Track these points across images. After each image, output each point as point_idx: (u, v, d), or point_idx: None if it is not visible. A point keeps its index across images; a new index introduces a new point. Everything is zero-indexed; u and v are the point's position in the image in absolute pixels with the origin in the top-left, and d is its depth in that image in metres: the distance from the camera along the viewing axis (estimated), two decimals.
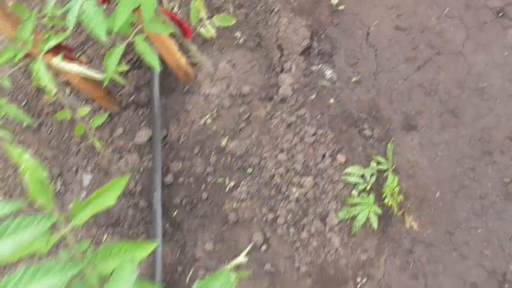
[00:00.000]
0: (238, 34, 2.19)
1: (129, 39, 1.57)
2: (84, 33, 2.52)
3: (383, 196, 1.70)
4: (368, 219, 1.65)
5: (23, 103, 2.42)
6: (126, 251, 0.94)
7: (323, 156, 1.84)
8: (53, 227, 0.88)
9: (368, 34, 2.10)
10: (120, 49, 1.55)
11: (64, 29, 2.10)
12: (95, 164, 2.15)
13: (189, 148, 2.04)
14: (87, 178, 2.15)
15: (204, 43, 2.24)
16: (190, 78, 2.19)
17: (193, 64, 2.21)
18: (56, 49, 1.66)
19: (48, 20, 2.03)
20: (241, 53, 2.19)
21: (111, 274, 0.84)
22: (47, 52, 1.57)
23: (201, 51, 2.21)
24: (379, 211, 1.66)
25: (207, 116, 2.09)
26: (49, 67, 1.60)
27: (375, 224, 1.64)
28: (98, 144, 2.11)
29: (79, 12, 1.21)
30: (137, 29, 1.60)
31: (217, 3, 2.28)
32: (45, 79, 1.54)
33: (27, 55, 1.60)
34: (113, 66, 1.56)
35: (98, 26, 1.22)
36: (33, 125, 2.24)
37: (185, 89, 2.19)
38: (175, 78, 2.20)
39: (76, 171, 2.18)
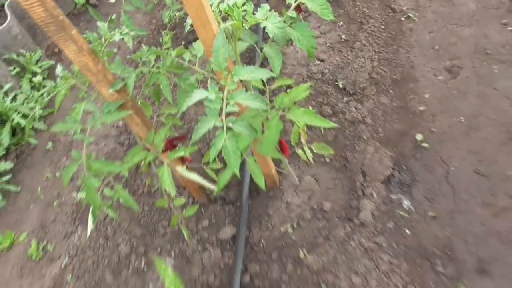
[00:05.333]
0: (326, 155, 2.48)
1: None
2: (187, 126, 2.94)
3: None
4: None
5: (122, 182, 2.80)
6: None
7: (396, 286, 2.00)
8: None
9: (448, 173, 2.32)
10: (229, 173, 1.85)
11: (183, 135, 2.49)
12: (179, 250, 2.42)
13: (267, 252, 2.27)
14: (169, 262, 2.42)
15: (294, 153, 2.55)
16: (275, 184, 2.48)
17: (279, 172, 2.51)
18: (170, 144, 2.03)
19: (166, 120, 2.44)
20: (326, 170, 2.47)
21: None
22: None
23: (288, 161, 2.51)
24: None
25: (288, 224, 2.33)
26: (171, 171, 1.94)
27: None
28: (186, 233, 2.40)
29: (221, 147, 1.54)
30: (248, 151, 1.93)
31: None
32: (167, 183, 1.87)
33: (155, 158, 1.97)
34: (224, 183, 1.87)
35: (234, 159, 1.54)
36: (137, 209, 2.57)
37: (270, 194, 2.47)
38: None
39: (160, 252, 2.46)
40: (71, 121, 1.84)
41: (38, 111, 3.44)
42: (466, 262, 2.06)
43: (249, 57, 3.22)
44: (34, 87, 3.79)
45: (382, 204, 2.27)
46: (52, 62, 4.10)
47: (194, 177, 1.92)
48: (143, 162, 2.43)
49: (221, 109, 1.51)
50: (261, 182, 1.89)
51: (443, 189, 2.29)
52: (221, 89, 1.56)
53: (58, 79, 1.90)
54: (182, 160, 2.02)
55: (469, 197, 2.23)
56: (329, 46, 3.13)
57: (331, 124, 1.63)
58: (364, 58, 2.95)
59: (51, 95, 1.97)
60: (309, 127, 2.59)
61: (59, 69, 1.92)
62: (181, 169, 1.93)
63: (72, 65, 1.93)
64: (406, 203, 2.28)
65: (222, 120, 1.48)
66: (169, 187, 1.87)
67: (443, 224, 2.18)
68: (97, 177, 1.83)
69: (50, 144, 3.44)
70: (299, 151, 2.20)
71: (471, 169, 2.31)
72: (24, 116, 3.48)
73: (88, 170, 1.74)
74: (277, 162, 2.50)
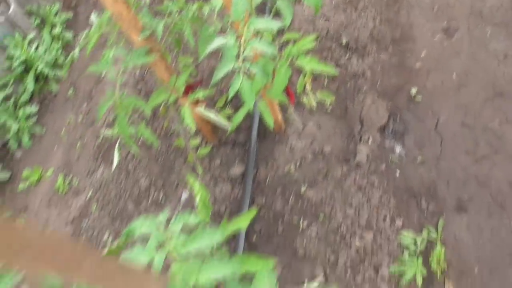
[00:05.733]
0: (328, 102, 2.73)
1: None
2: (200, 75, 3.17)
3: (430, 260, 2.13)
4: (414, 277, 2.08)
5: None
6: None
7: (384, 217, 2.31)
8: None
9: (437, 124, 2.57)
10: (245, 111, 2.11)
11: (199, 81, 2.73)
12: None
13: (272, 188, 2.57)
14: (184, 195, 2.72)
15: (298, 102, 2.80)
16: (281, 130, 2.75)
17: (285, 120, 2.77)
18: (189, 89, 2.28)
19: (183, 68, 2.67)
20: (327, 118, 2.72)
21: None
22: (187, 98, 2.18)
23: (293, 109, 2.77)
24: (424, 272, 2.09)
25: (291, 164, 2.61)
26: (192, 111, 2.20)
27: (419, 283, 2.06)
28: (200, 170, 2.69)
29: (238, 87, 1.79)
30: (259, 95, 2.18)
31: (314, 74, 2.85)
32: (189, 120, 2.13)
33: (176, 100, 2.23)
34: (238, 121, 2.13)
35: (250, 98, 1.79)
36: (157, 145, 2.84)
37: (276, 138, 2.74)
38: (269, 128, 2.76)
39: (177, 187, 2.76)
40: (104, 63, 2.08)
41: (75, 55, 3.70)
42: (447, 201, 2.35)
43: (260, 11, 3.41)
44: (54, 38, 3.99)
45: (376, 149, 2.54)
46: (70, 14, 4.27)
47: (211, 115, 2.18)
48: (162, 106, 2.68)
49: (238, 55, 1.74)
50: (270, 121, 2.15)
51: (432, 138, 2.55)
52: (238, 38, 1.78)
53: (93, 26, 2.12)
54: (198, 104, 2.27)
55: (454, 145, 2.50)
56: (334, 5, 3.31)
57: (333, 70, 1.87)
58: (366, 17, 3.15)
59: (83, 42, 2.20)
60: (313, 78, 2.82)
61: (93, 16, 2.13)
62: (201, 109, 2.19)
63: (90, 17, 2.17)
64: (398, 149, 2.55)
65: (240, 63, 1.72)
66: (191, 123, 2.14)
67: (429, 168, 2.46)
68: (126, 115, 2.10)
69: (71, 91, 3.68)
70: (304, 98, 2.45)
71: (458, 121, 2.57)
72: (47, 64, 3.70)
73: (120, 106, 2.00)
74: (283, 109, 2.75)
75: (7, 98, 3.54)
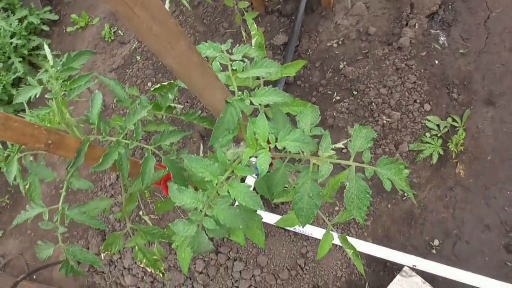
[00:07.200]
0: None
1: None
2: None
3: (448, 143, 2.33)
4: (431, 155, 2.31)
5: None
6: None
7: (415, 101, 2.47)
8: None
9: (488, 18, 2.60)
10: None
11: None
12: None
13: (312, 60, 2.71)
14: None
15: None
16: (329, 6, 2.80)
17: None
18: None
19: None
20: None
21: None
22: None
23: None
24: (441, 152, 2.31)
25: (334, 41, 2.72)
26: None
27: (434, 160, 2.29)
28: (244, 34, 2.82)
29: None
30: None
31: None
32: None
33: None
34: None
35: None
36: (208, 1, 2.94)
37: (323, 13, 2.81)
38: (317, 2, 2.81)
39: None
40: None
41: None
42: (478, 93, 2.48)
43: None
44: None
45: (421, 35, 2.61)
46: None
47: None
48: None
49: None
50: None
51: (479, 32, 2.60)
52: None
53: None
54: None
55: (500, 41, 2.55)
56: None
57: None
58: None
59: None
60: None
61: None
62: None
63: None
64: (442, 38, 2.61)
65: None
66: None
67: (469, 60, 2.55)
68: None
69: None
70: None
71: (510, 16, 2.58)
72: None
73: None
74: None
75: None
